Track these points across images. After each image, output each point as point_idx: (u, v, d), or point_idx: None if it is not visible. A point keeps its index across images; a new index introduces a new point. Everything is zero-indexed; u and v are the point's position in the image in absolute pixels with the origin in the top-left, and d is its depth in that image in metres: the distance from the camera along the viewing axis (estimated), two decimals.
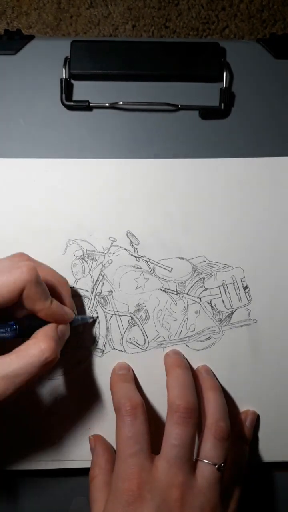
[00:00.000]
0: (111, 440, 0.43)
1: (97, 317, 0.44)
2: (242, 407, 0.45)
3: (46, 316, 0.37)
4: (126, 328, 0.44)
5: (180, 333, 0.45)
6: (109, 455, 0.42)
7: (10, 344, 0.36)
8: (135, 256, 0.45)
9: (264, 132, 0.47)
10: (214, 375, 0.44)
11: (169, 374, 0.42)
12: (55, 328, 0.37)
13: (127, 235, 0.45)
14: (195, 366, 0.44)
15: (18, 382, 0.33)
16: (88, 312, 0.44)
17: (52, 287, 0.39)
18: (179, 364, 0.42)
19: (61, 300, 0.39)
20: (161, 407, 0.44)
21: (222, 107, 0.46)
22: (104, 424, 0.44)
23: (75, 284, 0.44)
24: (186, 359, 0.44)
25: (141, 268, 0.45)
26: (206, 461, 0.39)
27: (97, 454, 0.42)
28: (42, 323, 0.37)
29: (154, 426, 0.43)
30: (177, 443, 0.38)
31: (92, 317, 0.44)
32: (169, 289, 0.45)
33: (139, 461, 0.37)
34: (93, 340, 0.44)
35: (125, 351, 0.44)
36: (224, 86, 0.47)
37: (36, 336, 0.36)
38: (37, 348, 0.34)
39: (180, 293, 0.45)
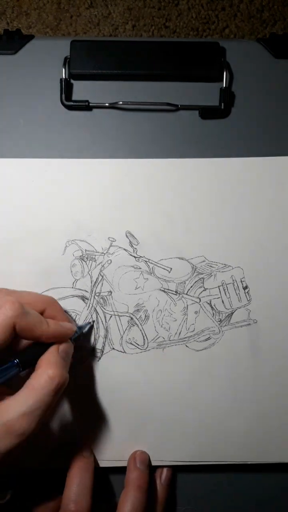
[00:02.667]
0: (110, 439, 0.43)
1: (94, 321, 0.44)
2: (242, 407, 0.44)
3: (48, 339, 0.37)
4: (126, 329, 0.44)
5: (179, 334, 0.45)
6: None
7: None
8: (135, 256, 0.45)
9: (264, 132, 0.47)
10: (168, 483, 0.44)
11: (126, 491, 0.42)
12: (56, 352, 0.37)
13: (127, 235, 0.45)
14: (194, 367, 0.44)
15: (38, 415, 0.33)
16: (87, 313, 0.44)
17: (42, 311, 0.38)
18: (140, 484, 0.42)
19: (55, 320, 0.39)
20: (160, 407, 0.44)
21: (222, 107, 0.46)
22: (103, 424, 0.44)
23: (74, 285, 0.44)
24: (149, 469, 0.43)
25: (140, 268, 0.45)
26: None
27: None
28: (42, 348, 0.37)
29: (154, 426, 0.43)
30: None
31: (90, 323, 0.44)
32: (168, 289, 0.45)
33: None
34: (93, 341, 0.44)
35: (124, 352, 0.44)
36: (224, 85, 0.47)
37: (41, 365, 0.36)
38: (45, 377, 0.34)
39: (179, 293, 0.45)
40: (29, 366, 0.36)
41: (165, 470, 0.44)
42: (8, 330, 0.34)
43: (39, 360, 0.36)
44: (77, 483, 0.40)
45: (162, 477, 0.44)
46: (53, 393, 0.34)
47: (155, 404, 0.44)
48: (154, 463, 0.44)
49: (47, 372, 0.34)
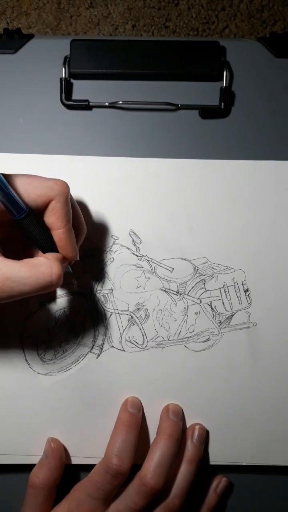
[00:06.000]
0: (105, 435, 0.43)
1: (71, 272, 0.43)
2: (240, 409, 0.44)
3: (60, 240, 0.36)
4: (126, 327, 0.44)
5: (179, 334, 0.44)
6: (59, 463, 0.42)
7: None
8: (137, 255, 0.45)
9: (264, 131, 0.47)
10: (206, 437, 0.44)
11: (157, 439, 0.42)
12: (63, 259, 0.37)
13: (130, 234, 0.45)
14: (192, 367, 0.44)
15: (16, 290, 0.33)
16: (88, 310, 0.44)
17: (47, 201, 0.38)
18: (171, 433, 0.42)
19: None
20: (157, 407, 0.44)
21: (222, 107, 0.46)
22: (102, 421, 0.44)
23: (75, 282, 0.44)
24: (183, 414, 0.44)
25: (142, 267, 0.45)
26: None
27: (49, 462, 0.42)
28: (47, 240, 0.37)
29: (152, 426, 0.43)
30: (134, 508, 0.40)
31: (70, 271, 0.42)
32: (169, 289, 0.45)
33: (94, 506, 0.40)
34: (92, 338, 0.44)
35: (123, 350, 0.44)
36: (224, 85, 0.47)
37: (48, 257, 0.35)
38: (48, 268, 0.34)
39: (180, 294, 0.45)
40: (27, 230, 0.36)
41: (197, 427, 0.44)
42: (44, 198, 0.35)
43: (48, 254, 0.36)
44: (122, 439, 0.41)
45: (194, 436, 0.43)
46: (42, 285, 0.34)
47: (153, 403, 0.44)
48: None
49: (52, 266, 0.34)
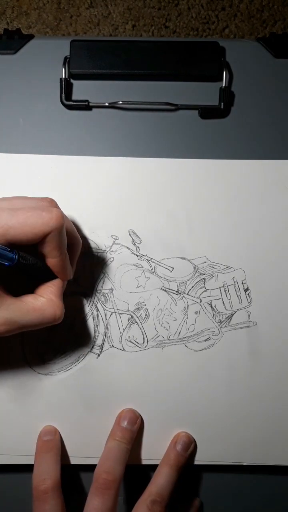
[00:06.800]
0: (105, 435, 0.43)
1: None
2: (241, 408, 0.44)
3: (54, 266, 0.38)
4: (126, 327, 0.44)
5: (179, 333, 0.44)
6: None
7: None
8: (137, 255, 0.45)
9: (263, 131, 0.47)
10: (195, 446, 0.44)
11: (107, 442, 0.43)
12: (62, 287, 0.39)
13: (130, 234, 0.45)
14: (193, 367, 0.44)
15: (25, 330, 0.37)
16: (88, 310, 0.44)
17: (67, 242, 0.39)
18: (120, 437, 0.42)
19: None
20: (157, 406, 0.44)
21: (222, 107, 0.46)
22: (102, 421, 0.44)
23: (76, 281, 0.44)
24: (141, 417, 0.44)
25: (142, 267, 0.45)
26: None
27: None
28: (42, 269, 0.38)
29: (151, 425, 0.43)
30: None
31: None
32: (169, 289, 0.45)
33: None
34: (92, 338, 0.44)
35: (123, 349, 0.44)
36: (223, 85, 0.47)
37: (52, 298, 0.38)
38: (52, 313, 0.37)
39: (180, 293, 0.45)
40: (20, 270, 0.37)
41: (182, 435, 0.44)
42: (41, 234, 0.35)
43: (51, 291, 0.38)
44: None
45: (177, 442, 0.43)
46: (44, 325, 0.37)
47: (153, 403, 0.44)
48: (150, 462, 0.44)
49: (56, 309, 0.38)
